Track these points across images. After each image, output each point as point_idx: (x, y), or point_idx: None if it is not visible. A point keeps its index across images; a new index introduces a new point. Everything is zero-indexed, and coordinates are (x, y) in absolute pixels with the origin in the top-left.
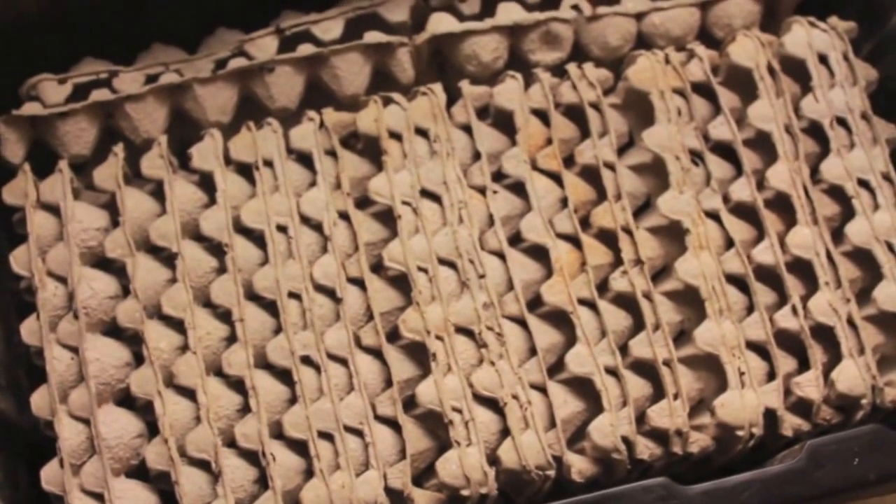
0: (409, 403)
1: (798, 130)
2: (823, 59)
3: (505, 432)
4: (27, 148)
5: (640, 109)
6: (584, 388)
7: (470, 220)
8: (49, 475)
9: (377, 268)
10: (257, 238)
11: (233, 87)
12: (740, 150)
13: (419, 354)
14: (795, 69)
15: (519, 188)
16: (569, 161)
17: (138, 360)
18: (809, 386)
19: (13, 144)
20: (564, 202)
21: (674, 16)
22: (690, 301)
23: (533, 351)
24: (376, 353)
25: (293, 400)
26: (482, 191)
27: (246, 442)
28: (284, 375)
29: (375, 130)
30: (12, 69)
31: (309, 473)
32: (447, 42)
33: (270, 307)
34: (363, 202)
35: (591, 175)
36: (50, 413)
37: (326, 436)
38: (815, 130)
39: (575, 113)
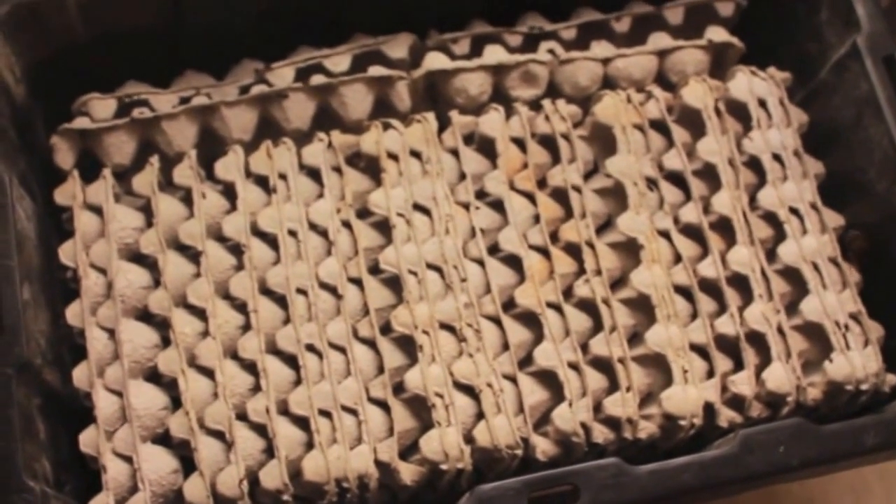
0: (398, 388)
1: (739, 163)
2: (763, 104)
3: (480, 416)
4: (76, 156)
5: (604, 141)
6: (549, 379)
7: (455, 232)
8: (86, 439)
9: (374, 270)
10: (271, 241)
11: (254, 109)
12: (689, 179)
13: (408, 346)
14: (738, 111)
15: (498, 205)
16: (542, 183)
17: (165, 342)
18: (743, 384)
19: (65, 153)
20: (537, 218)
21: (635, 62)
22: (643, 307)
23: (506, 346)
24: (371, 344)
25: (298, 381)
26: (466, 206)
27: (256, 416)
28: (291, 360)
29: (376, 151)
30: (66, 88)
31: (309, 446)
32: (440, 77)
33: (281, 301)
34: (363, 213)
35: (560, 196)
36: (89, 385)
37: (326, 413)
38: (754, 164)
39: (548, 142)
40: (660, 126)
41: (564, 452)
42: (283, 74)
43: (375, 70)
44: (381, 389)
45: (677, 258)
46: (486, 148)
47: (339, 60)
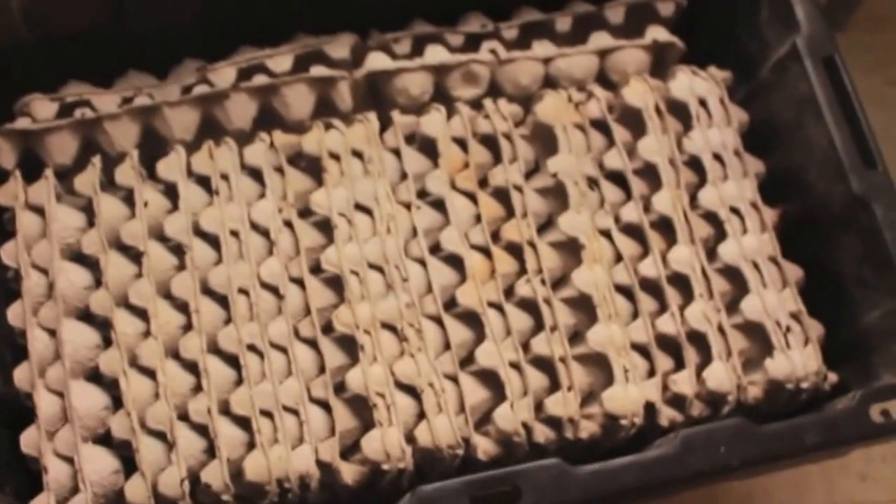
0: (340, 388)
1: (680, 163)
2: (703, 103)
3: (421, 415)
4: (18, 157)
5: (545, 140)
6: (490, 379)
7: (396, 231)
8: (27, 440)
9: (315, 270)
10: (213, 241)
11: (196, 110)
12: (630, 178)
13: (349, 346)
14: (679, 110)
15: (439, 205)
16: (483, 183)
17: (107, 343)
18: (684, 383)
19: (6, 153)
20: (478, 218)
21: (576, 61)
22: (584, 307)
23: (447, 346)
24: (312, 344)
25: (239, 382)
26: (408, 206)
27: (197, 417)
28: (232, 360)
29: (318, 151)
30: (8, 88)
31: (251, 446)
32: (382, 77)
33: (222, 301)
34: (305, 213)
35: (501, 195)
36: (30, 386)
37: (267, 414)
38: (694, 163)
39: (489, 141)
40: (601, 125)
41: (506, 452)
42: (224, 74)
43: (317, 70)
44: (323, 389)
45: (618, 257)
46: (428, 148)
47: (281, 60)
